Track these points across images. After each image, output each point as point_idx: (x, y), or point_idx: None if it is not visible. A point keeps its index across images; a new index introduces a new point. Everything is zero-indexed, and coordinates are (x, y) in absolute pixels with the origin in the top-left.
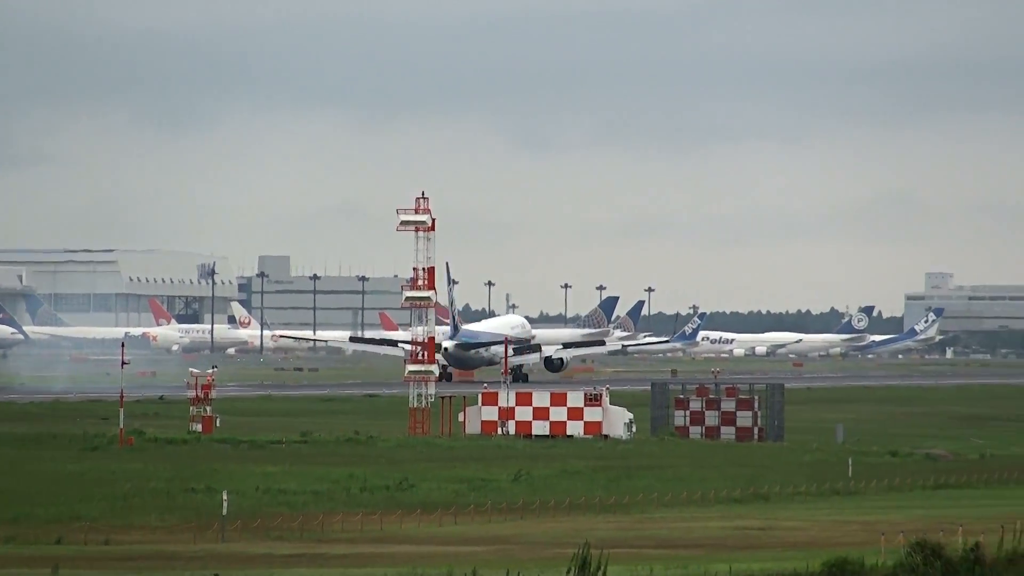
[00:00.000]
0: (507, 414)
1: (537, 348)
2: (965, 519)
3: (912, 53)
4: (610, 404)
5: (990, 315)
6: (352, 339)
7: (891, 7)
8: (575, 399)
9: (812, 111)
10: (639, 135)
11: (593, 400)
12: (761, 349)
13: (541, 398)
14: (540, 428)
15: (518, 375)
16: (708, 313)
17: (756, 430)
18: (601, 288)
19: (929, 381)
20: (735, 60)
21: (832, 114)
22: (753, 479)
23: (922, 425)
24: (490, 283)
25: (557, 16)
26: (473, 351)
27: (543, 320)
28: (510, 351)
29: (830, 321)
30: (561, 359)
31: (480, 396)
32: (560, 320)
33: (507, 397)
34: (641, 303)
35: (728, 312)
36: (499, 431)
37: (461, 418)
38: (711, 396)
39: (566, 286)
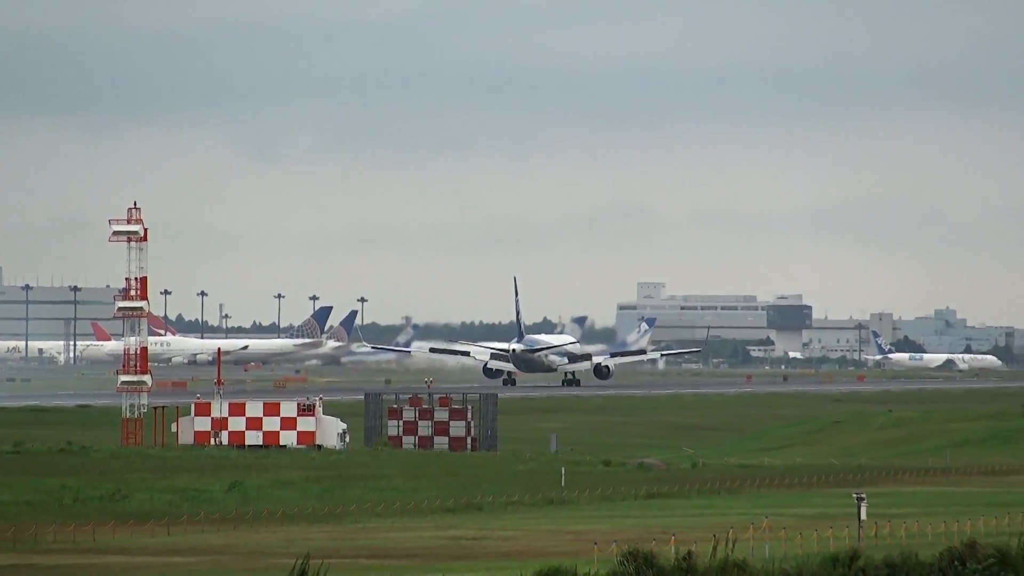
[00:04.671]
0: (220, 424)
1: (588, 357)
2: (677, 528)
3: (643, 61)
4: (323, 414)
5: (701, 324)
6: (432, 350)
7: (619, 16)
8: (288, 409)
9: (542, 120)
10: (369, 144)
11: (306, 410)
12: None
13: (254, 408)
14: (253, 438)
15: (571, 381)
16: (421, 324)
17: (469, 440)
18: (315, 298)
19: (641, 390)
20: (465, 69)
21: (562, 123)
22: (466, 489)
23: (635, 434)
24: (203, 293)
25: (285, 24)
26: (536, 354)
27: (256, 330)
28: (564, 360)
29: (543, 331)
30: (608, 367)
31: (193, 406)
32: (273, 330)
33: (220, 407)
34: (354, 313)
35: (442, 323)
36: (212, 441)
37: (174, 428)
38: (424, 406)
39: (279, 296)
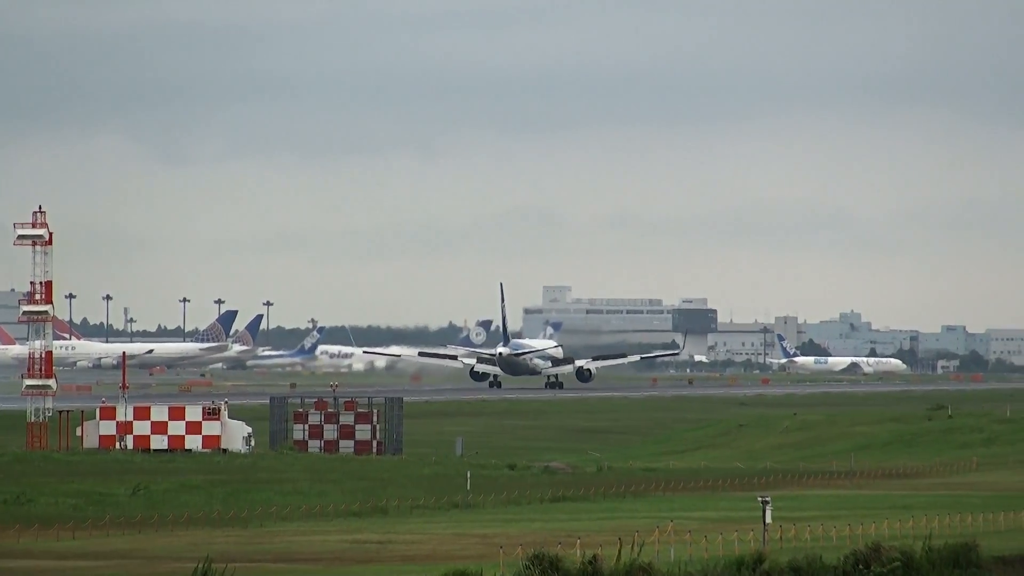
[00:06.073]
0: (125, 428)
1: (570, 361)
2: (583, 532)
3: (550, 66)
4: (229, 418)
5: (608, 329)
6: (420, 353)
7: (528, 21)
8: (194, 413)
9: (450, 124)
10: (276, 148)
11: (212, 414)
12: (380, 363)
13: (159, 412)
14: (159, 442)
15: (554, 384)
16: (327, 328)
17: (375, 443)
18: (220, 302)
19: (547, 394)
20: (374, 72)
21: (470, 127)
22: (372, 492)
23: (541, 438)
24: (108, 297)
25: (192, 28)
26: (522, 357)
27: (161, 334)
28: (548, 363)
29: (449, 336)
30: (589, 370)
31: (98, 410)
32: (178, 334)
33: (125, 411)
34: (260, 317)
35: (348, 326)
36: (117, 445)
37: (79, 432)
38: (330, 410)
39: (184, 300)
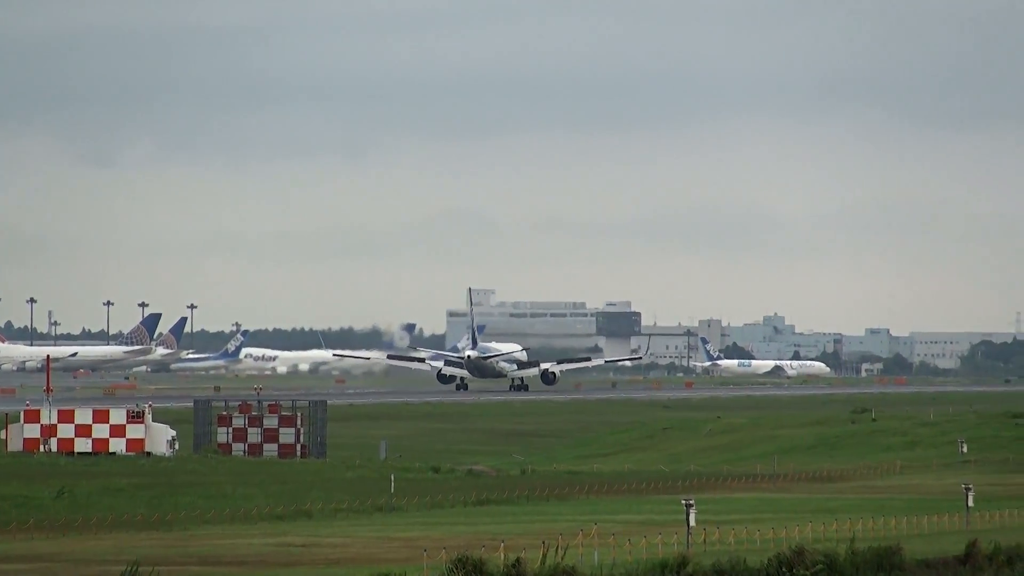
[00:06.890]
0: (49, 431)
1: (536, 364)
2: (507, 535)
3: (479, 69)
4: (153, 421)
5: (532, 332)
6: (389, 356)
7: (457, 24)
8: (118, 416)
9: (378, 126)
10: (204, 150)
11: (136, 417)
12: (304, 366)
13: (84, 415)
14: (83, 445)
15: (520, 386)
16: (251, 331)
17: (299, 447)
18: (144, 305)
19: (471, 397)
20: (302, 74)
21: (399, 129)
22: (296, 496)
23: (465, 441)
24: (32, 300)
25: (121, 30)
26: (489, 360)
27: (85, 337)
28: (514, 366)
29: (373, 339)
30: (554, 373)
31: (22, 413)
32: (103, 337)
33: (49, 414)
34: (184, 320)
35: (271, 329)
36: (41, 448)
37: (3, 435)
38: (254, 413)
39: (108, 303)
